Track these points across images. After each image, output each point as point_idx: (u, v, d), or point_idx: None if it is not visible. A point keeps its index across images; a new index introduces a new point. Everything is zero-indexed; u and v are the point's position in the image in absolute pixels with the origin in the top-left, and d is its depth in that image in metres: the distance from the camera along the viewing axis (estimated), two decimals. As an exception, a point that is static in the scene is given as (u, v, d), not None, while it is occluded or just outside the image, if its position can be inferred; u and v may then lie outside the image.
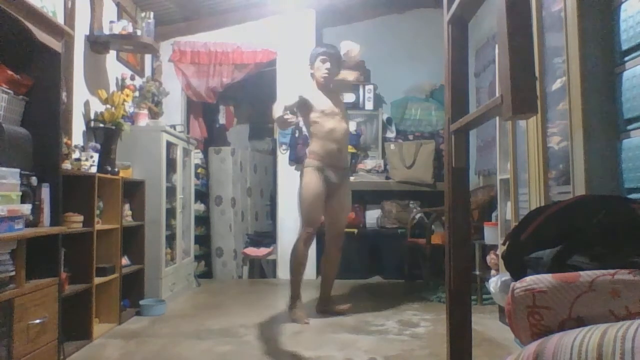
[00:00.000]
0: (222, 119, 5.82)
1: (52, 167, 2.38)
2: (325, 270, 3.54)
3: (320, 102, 3.41)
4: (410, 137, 5.19)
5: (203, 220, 5.10)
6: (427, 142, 4.98)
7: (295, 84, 4.91)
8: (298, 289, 3.36)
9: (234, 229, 5.01)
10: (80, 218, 2.76)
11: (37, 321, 2.11)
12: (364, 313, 3.42)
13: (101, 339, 2.82)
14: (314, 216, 3.34)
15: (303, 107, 3.40)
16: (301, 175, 3.40)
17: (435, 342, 2.72)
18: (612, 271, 0.91)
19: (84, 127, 3.40)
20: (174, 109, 4.75)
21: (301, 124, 3.77)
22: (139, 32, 3.64)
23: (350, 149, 4.64)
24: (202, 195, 5.12)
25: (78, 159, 2.91)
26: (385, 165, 5.06)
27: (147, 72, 4.67)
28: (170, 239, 3.96)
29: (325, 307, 3.47)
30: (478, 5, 1.31)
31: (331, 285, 3.54)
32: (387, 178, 4.98)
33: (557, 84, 2.05)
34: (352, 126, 5.06)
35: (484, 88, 4.42)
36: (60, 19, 3.04)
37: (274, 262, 4.96)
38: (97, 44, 3.57)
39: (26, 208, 2.09)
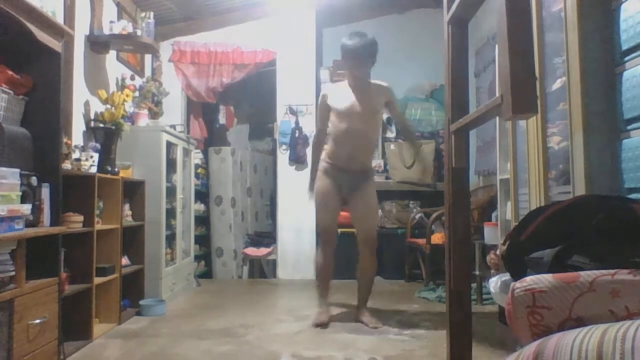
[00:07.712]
0: (222, 119, 5.83)
1: (52, 167, 2.38)
2: (358, 277, 3.30)
3: (341, 100, 3.16)
4: (411, 137, 5.19)
5: (203, 220, 5.10)
6: (427, 142, 4.98)
7: (295, 83, 4.95)
8: (322, 293, 3.28)
9: (234, 229, 5.01)
10: (80, 218, 2.76)
11: (37, 321, 2.11)
12: (364, 313, 3.42)
13: (101, 339, 2.82)
14: (322, 222, 3.29)
15: (329, 109, 3.22)
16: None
17: (435, 342, 2.72)
18: (612, 271, 0.91)
19: (84, 127, 3.40)
20: (174, 109, 4.75)
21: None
22: (139, 32, 3.64)
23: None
24: (202, 195, 5.11)
25: (78, 159, 2.91)
26: (385, 165, 5.06)
27: (147, 72, 4.67)
28: (170, 239, 3.96)
29: (357, 317, 3.20)
30: (478, 5, 1.31)
31: (365, 293, 3.26)
32: (387, 178, 4.99)
33: (557, 84, 2.05)
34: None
35: (484, 88, 4.42)
36: (60, 19, 3.04)
37: (274, 262, 4.96)
38: (97, 44, 3.57)
39: (26, 208, 2.09)
